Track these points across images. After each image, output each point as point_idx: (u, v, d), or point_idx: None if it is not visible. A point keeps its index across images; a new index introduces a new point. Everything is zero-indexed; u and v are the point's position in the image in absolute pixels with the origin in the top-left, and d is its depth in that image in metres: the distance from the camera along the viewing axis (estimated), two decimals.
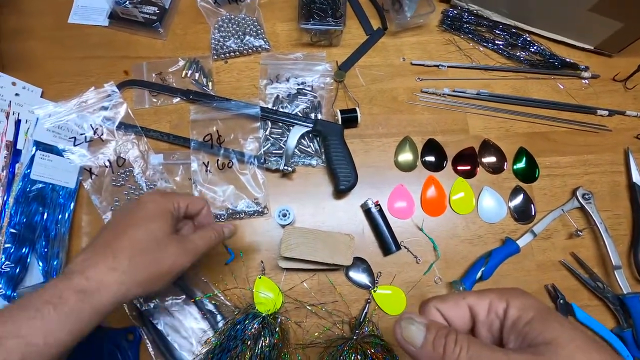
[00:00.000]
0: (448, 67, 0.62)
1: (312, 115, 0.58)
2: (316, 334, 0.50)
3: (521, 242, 0.54)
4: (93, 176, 0.54)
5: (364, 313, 0.51)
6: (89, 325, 0.32)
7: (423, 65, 0.62)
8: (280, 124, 0.57)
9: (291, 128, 0.56)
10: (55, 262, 0.48)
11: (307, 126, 0.55)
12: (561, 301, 0.53)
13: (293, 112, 0.57)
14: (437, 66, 0.62)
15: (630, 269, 0.54)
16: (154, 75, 0.59)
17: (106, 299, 0.32)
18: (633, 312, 0.50)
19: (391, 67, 0.62)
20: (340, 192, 0.54)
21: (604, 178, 0.58)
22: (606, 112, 0.60)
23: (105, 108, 0.56)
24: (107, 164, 0.54)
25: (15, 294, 0.43)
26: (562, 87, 0.62)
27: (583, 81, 0.63)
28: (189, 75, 0.59)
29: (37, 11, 0.63)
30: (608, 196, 0.57)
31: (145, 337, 0.48)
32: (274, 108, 0.58)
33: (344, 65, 0.61)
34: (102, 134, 0.55)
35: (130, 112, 0.57)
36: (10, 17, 0.62)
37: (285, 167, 0.54)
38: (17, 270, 0.44)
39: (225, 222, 0.54)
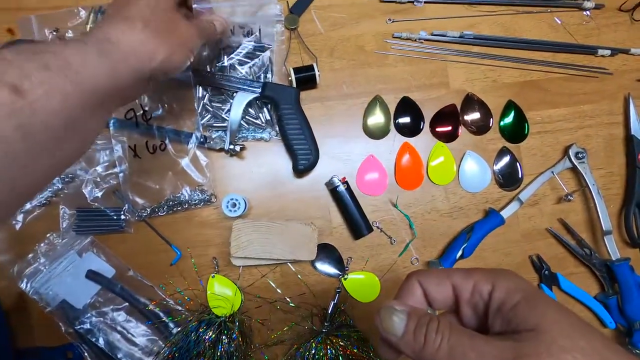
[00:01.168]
0: (425, 2, 0.50)
1: (260, 77, 0.47)
2: (285, 328, 0.46)
3: (506, 212, 0.48)
4: None
5: (332, 303, 0.46)
6: (123, 78, 0.29)
7: (394, 1, 0.50)
8: (222, 90, 0.46)
9: (234, 95, 0.45)
10: None
11: (254, 92, 0.45)
12: (546, 272, 0.49)
13: (236, 75, 0.46)
14: (412, 2, 0.50)
15: (620, 232, 0.50)
16: (47, 32, 0.45)
17: (132, 54, 0.29)
18: (620, 279, 0.47)
19: (355, 6, 0.50)
20: (299, 172, 0.46)
21: (600, 131, 0.51)
22: (608, 52, 0.51)
23: None
24: None
25: None
26: (559, 22, 0.52)
27: (584, 13, 0.52)
28: None
29: None
30: (603, 152, 0.51)
31: (87, 354, 0.42)
32: (210, 70, 0.46)
33: (296, 6, 0.48)
34: None
35: None
36: None
37: (231, 147, 0.44)
38: None
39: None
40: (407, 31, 0.49)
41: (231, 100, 0.45)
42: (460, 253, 0.47)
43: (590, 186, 0.48)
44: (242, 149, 0.46)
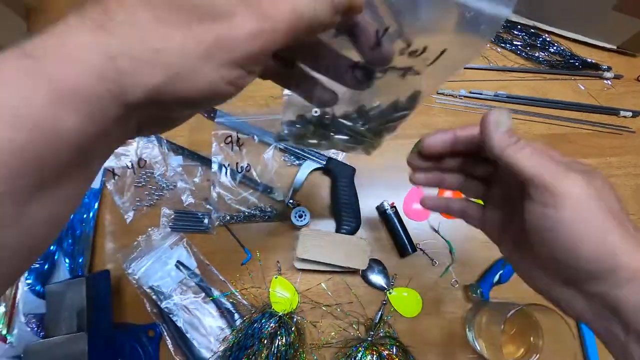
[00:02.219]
0: (465, 68, 0.62)
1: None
2: (332, 333, 0.51)
3: None
4: (116, 177, 0.56)
5: (379, 314, 0.51)
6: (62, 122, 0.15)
7: None
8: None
9: (303, 161, 0.56)
10: (80, 260, 0.50)
11: (320, 163, 0.56)
12: None
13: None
14: None
15: None
16: None
17: (69, 76, 0.15)
18: None
19: None
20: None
21: (627, 181, 0.57)
22: (629, 113, 0.59)
23: None
24: (129, 165, 0.56)
25: (43, 289, 0.45)
26: (583, 88, 0.61)
27: (605, 82, 0.61)
28: None
29: None
30: (631, 199, 0.56)
31: (165, 333, 0.50)
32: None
33: None
34: None
35: None
36: None
37: (291, 201, 0.54)
38: (46, 266, 0.46)
39: (243, 223, 0.54)
40: (450, 89, 0.60)
41: (297, 162, 0.56)
42: (497, 278, 0.51)
43: None
44: (299, 204, 0.54)
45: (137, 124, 0.19)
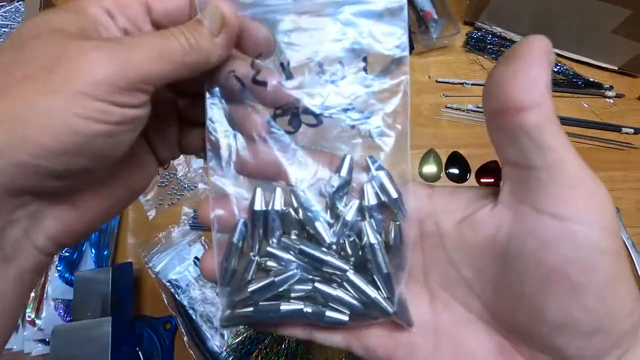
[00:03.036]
0: (472, 84, 0.65)
1: None
2: None
3: None
4: None
5: None
6: None
7: (448, 82, 0.65)
8: None
9: None
10: (105, 252, 0.53)
11: None
12: None
13: None
14: (462, 84, 0.65)
15: None
16: None
17: None
18: None
19: (417, 83, 0.66)
20: None
21: (631, 195, 0.59)
22: (631, 130, 0.61)
23: None
24: None
25: (72, 277, 0.48)
26: (586, 105, 0.64)
27: (607, 100, 0.64)
28: None
29: None
30: (635, 213, 0.58)
31: (181, 326, 0.52)
32: None
33: None
34: None
35: None
36: None
37: None
38: (75, 256, 0.49)
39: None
40: (457, 103, 0.64)
41: None
42: None
43: (625, 240, 0.54)
44: None
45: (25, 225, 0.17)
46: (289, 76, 0.20)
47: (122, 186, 0.20)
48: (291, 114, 0.21)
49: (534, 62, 0.16)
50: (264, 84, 0.20)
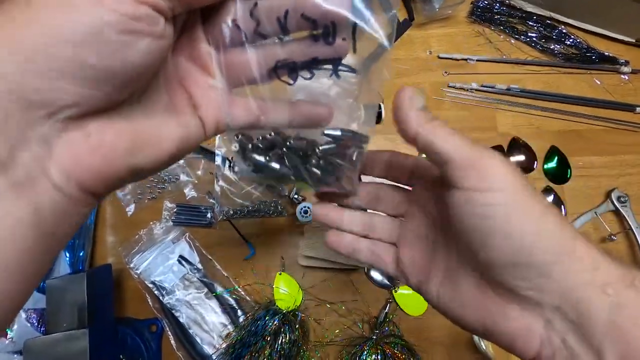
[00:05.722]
0: (477, 60, 0.59)
1: None
2: (336, 331, 0.50)
3: None
4: None
5: (384, 313, 0.50)
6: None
7: (450, 58, 0.60)
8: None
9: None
10: (81, 253, 0.49)
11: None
12: None
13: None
14: (466, 60, 0.60)
15: None
16: None
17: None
18: None
19: (417, 60, 0.60)
20: None
21: None
22: None
23: None
24: None
25: (44, 284, 0.44)
26: (599, 82, 0.59)
27: (622, 76, 0.59)
28: None
29: None
30: None
31: (168, 329, 0.49)
32: None
33: (369, 58, 0.59)
34: None
35: None
36: None
37: (295, 197, 0.53)
38: None
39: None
40: (461, 82, 0.58)
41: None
42: None
43: (634, 229, 0.51)
44: (304, 199, 0.54)
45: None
46: (286, 31, 0.20)
47: (148, 128, 0.19)
48: (289, 68, 0.22)
49: (404, 107, 0.22)
50: (264, 36, 0.20)
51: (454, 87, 0.58)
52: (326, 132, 0.25)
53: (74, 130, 0.16)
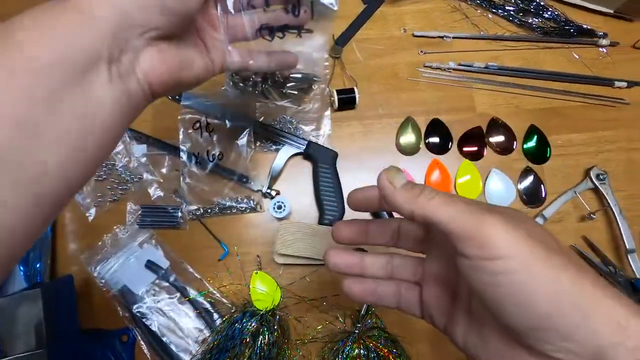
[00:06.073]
0: (453, 38, 0.57)
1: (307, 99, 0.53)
2: (319, 327, 0.49)
3: None
4: None
5: (366, 306, 0.49)
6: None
7: (426, 36, 0.56)
8: (270, 139, 0.52)
9: (281, 146, 0.51)
10: (37, 265, 0.45)
11: (299, 147, 0.51)
12: None
13: (286, 131, 0.52)
14: (442, 37, 0.57)
15: None
16: None
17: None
18: None
19: (391, 39, 0.57)
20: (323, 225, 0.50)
21: (620, 156, 0.55)
22: (624, 84, 0.56)
23: None
24: None
25: None
26: (577, 57, 0.57)
27: (600, 49, 0.57)
28: None
29: None
30: (623, 175, 0.54)
31: (140, 338, 0.46)
32: (267, 123, 0.52)
33: (340, 39, 0.56)
34: None
35: None
36: None
37: (268, 190, 0.50)
38: None
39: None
40: (437, 62, 0.56)
41: (274, 148, 0.52)
42: None
43: (612, 206, 0.51)
44: (277, 193, 0.51)
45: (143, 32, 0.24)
46: (267, 3, 0.31)
47: (187, 56, 0.28)
48: (269, 30, 0.33)
49: (389, 193, 0.23)
50: (254, 7, 0.31)
51: (430, 67, 0.56)
52: (292, 75, 0.44)
53: (153, 46, 0.25)
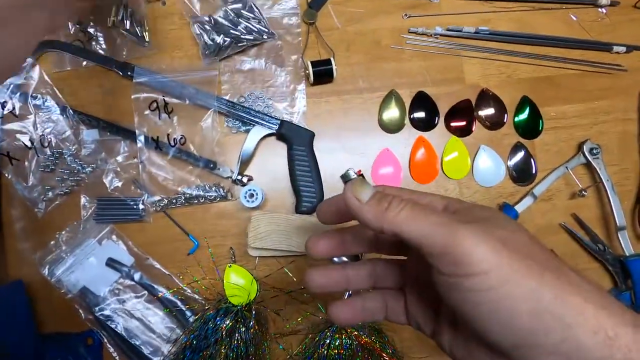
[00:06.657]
0: None
1: (270, 66, 0.47)
2: (299, 319, 0.46)
3: (520, 207, 0.48)
4: (13, 161, 0.44)
5: (347, 294, 0.46)
6: None
7: None
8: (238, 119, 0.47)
9: (251, 127, 0.46)
10: None
11: (271, 128, 0.45)
12: None
13: (255, 109, 0.46)
14: None
15: (633, 228, 0.50)
16: (71, 26, 0.46)
17: None
18: (633, 274, 0.47)
19: (372, 1, 0.50)
20: (301, 213, 0.46)
21: (614, 128, 0.51)
22: (623, 49, 0.51)
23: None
24: (29, 144, 0.44)
25: None
26: (574, 18, 0.52)
27: (600, 10, 0.52)
28: (116, 23, 0.46)
29: None
30: (617, 148, 0.51)
31: (106, 340, 0.43)
32: (233, 101, 0.46)
33: (314, 1, 0.49)
34: (13, 108, 0.44)
35: (47, 77, 0.45)
36: None
37: (239, 177, 0.45)
38: None
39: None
40: (423, 26, 0.50)
41: (244, 128, 0.47)
42: None
43: (604, 182, 0.48)
44: (250, 179, 0.46)
45: None
46: None
47: None
48: None
49: (356, 208, 0.21)
50: None
51: (415, 33, 0.50)
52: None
53: None
